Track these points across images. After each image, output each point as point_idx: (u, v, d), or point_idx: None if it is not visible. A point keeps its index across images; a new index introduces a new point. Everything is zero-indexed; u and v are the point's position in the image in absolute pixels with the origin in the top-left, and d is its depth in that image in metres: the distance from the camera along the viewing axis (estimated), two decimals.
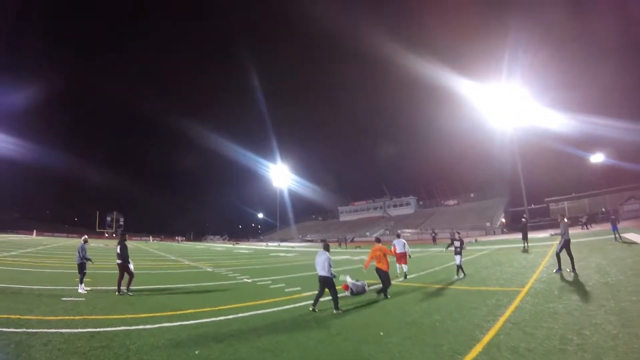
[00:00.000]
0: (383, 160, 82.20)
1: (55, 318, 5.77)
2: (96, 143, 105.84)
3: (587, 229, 27.04)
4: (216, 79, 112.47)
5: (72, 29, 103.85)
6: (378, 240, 8.54)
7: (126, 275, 8.33)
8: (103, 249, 27.89)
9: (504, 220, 47.00)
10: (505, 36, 42.87)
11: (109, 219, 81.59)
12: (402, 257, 10.69)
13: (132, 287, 8.43)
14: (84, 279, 8.49)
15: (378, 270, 7.78)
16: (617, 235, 16.53)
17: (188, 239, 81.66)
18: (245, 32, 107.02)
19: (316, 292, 6.75)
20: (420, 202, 68.74)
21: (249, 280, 11.07)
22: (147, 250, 30.50)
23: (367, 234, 56.76)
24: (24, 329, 5.03)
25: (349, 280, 8.53)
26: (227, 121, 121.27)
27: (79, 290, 8.18)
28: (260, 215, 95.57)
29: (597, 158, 41.56)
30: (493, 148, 46.79)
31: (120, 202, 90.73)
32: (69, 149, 79.09)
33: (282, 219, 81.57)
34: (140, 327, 5.39)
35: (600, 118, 35.85)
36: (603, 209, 33.97)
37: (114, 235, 75.38)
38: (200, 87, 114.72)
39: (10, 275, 10.58)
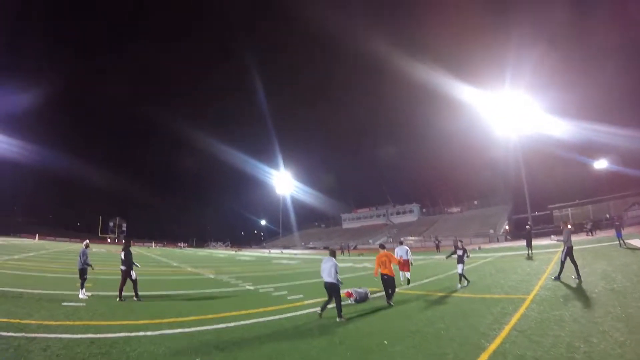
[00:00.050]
0: (386, 167, 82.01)
1: (55, 323, 5.73)
2: (97, 144, 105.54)
3: (592, 235, 26.81)
4: (217, 80, 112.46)
5: (72, 29, 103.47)
6: (382, 246, 8.48)
7: (130, 283, 8.26)
8: (105, 253, 27.88)
9: (507, 227, 46.64)
10: (509, 42, 43.17)
11: (111, 224, 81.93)
12: (404, 265, 10.61)
13: (139, 293, 8.33)
14: (85, 284, 8.46)
15: (383, 275, 7.71)
16: (621, 241, 16.40)
17: (190, 245, 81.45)
18: (246, 33, 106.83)
19: (319, 299, 6.69)
20: (424, 210, 68.46)
21: (251, 288, 11.00)
22: (149, 257, 30.43)
23: (370, 241, 56.42)
24: (24, 334, 5.00)
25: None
26: (229, 125, 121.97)
27: (80, 296, 8.15)
28: (263, 222, 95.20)
29: (601, 164, 41.28)
30: (496, 155, 46.67)
31: (123, 208, 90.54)
32: (70, 151, 78.34)
33: (284, 226, 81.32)
34: (141, 333, 5.34)
35: (604, 124, 35.78)
36: (607, 216, 33.70)
37: (117, 240, 75.54)
38: (201, 88, 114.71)
39: (11, 279, 10.57)
